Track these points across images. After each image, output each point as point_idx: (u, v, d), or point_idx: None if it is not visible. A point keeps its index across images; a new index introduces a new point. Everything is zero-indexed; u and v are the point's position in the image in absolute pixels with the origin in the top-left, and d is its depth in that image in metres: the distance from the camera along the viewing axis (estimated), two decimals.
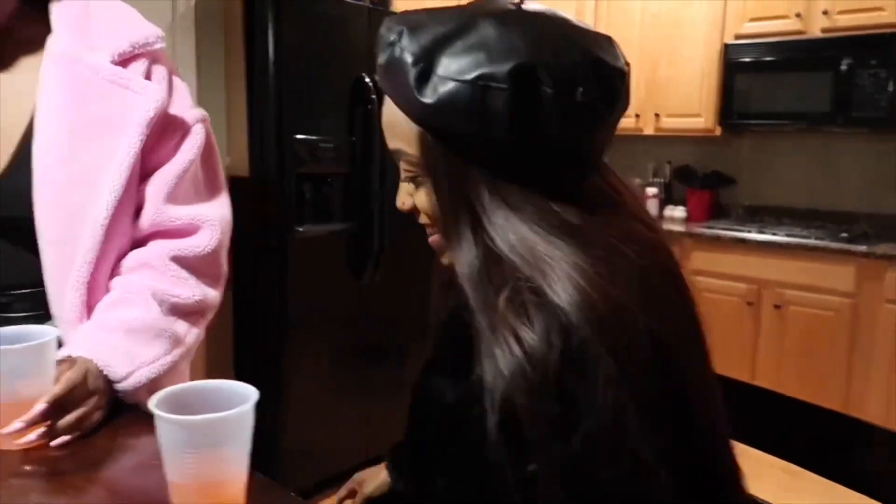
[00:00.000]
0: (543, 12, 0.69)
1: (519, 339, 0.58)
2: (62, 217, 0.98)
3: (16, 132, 1.00)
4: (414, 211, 0.76)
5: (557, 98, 0.63)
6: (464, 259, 0.66)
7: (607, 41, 0.69)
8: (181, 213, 1.07)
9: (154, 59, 1.08)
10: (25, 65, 1.02)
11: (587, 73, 0.65)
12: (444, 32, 0.65)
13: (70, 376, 0.88)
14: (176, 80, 1.12)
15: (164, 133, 1.06)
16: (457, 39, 0.64)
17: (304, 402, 2.60)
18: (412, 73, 0.64)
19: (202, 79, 2.45)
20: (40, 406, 0.83)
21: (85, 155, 0.99)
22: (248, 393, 0.70)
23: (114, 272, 1.05)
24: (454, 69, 0.63)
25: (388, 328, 2.87)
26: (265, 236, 2.49)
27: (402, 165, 0.73)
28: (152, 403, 0.66)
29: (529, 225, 0.64)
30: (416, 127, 0.68)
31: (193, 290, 1.07)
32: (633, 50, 3.73)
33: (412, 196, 0.75)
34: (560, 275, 0.60)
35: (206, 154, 1.13)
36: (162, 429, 0.66)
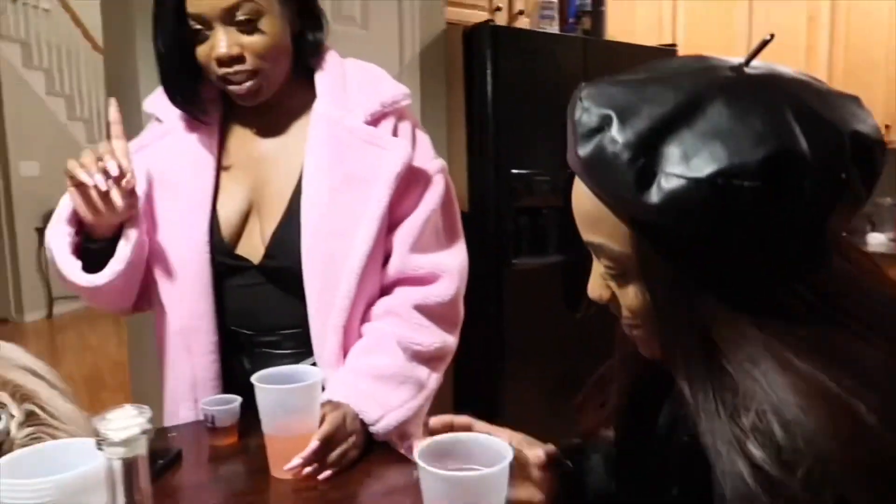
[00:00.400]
0: (775, 76, 0.57)
1: (756, 467, 0.51)
2: (324, 266, 1.08)
3: (287, 189, 1.12)
4: (611, 302, 0.67)
5: (818, 189, 0.52)
6: (689, 379, 0.58)
7: (855, 103, 0.57)
8: (424, 262, 1.13)
9: (400, 115, 1.16)
10: (296, 129, 1.15)
11: (846, 152, 0.54)
12: (664, 116, 0.54)
13: (334, 418, 0.96)
14: (419, 133, 1.18)
15: (409, 185, 1.13)
16: (682, 126, 0.53)
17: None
18: (630, 171, 0.53)
19: (426, 121, 2.60)
20: (314, 444, 0.91)
21: (343, 209, 1.08)
22: (503, 450, 0.70)
23: (365, 317, 1.13)
24: (685, 164, 0.52)
25: (604, 360, 2.79)
26: (483, 269, 2.56)
27: (603, 260, 0.63)
28: (417, 455, 0.68)
29: (767, 345, 0.54)
30: (626, 225, 0.58)
31: (434, 338, 1.13)
32: (879, 54, 3.29)
33: (612, 289, 0.65)
34: (798, 400, 0.52)
35: (446, 202, 1.18)
36: (426, 480, 0.69)
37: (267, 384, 0.93)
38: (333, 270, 1.08)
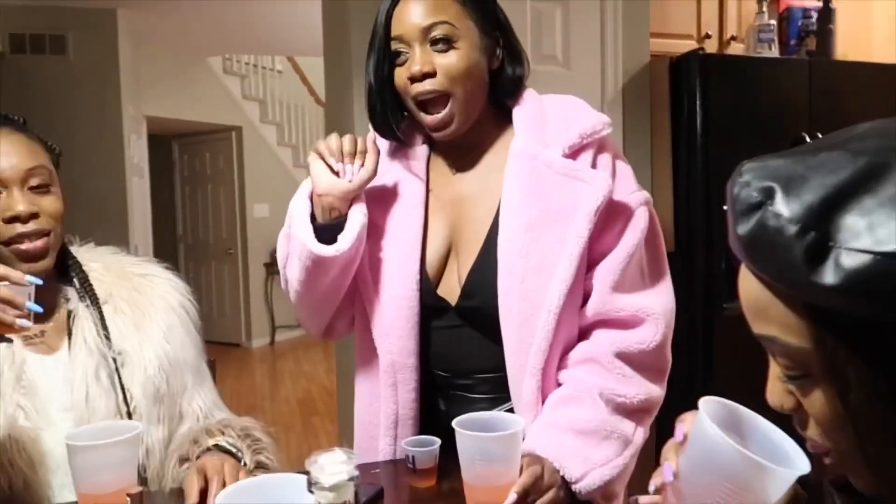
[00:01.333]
0: None
1: None
2: (521, 306, 1.04)
3: (484, 228, 1.11)
4: (796, 413, 0.55)
5: None
6: None
7: None
8: (626, 304, 1.05)
9: (601, 146, 1.10)
10: (494, 167, 1.13)
11: None
12: (840, 183, 0.46)
13: (533, 471, 0.91)
14: (620, 164, 1.12)
15: (609, 219, 1.06)
16: (862, 193, 0.45)
17: None
18: (799, 247, 0.46)
19: (628, 156, 2.50)
20: (512, 497, 0.87)
21: (540, 246, 1.04)
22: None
23: (562, 361, 1.07)
24: (869, 237, 0.44)
25: None
26: (690, 313, 2.37)
27: (780, 359, 0.53)
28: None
29: None
30: (800, 313, 0.49)
31: (638, 389, 1.04)
32: None
33: (795, 396, 0.54)
34: None
35: (650, 237, 1.09)
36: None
37: (467, 429, 0.90)
38: (531, 310, 1.04)
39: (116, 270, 1.13)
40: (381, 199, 1.17)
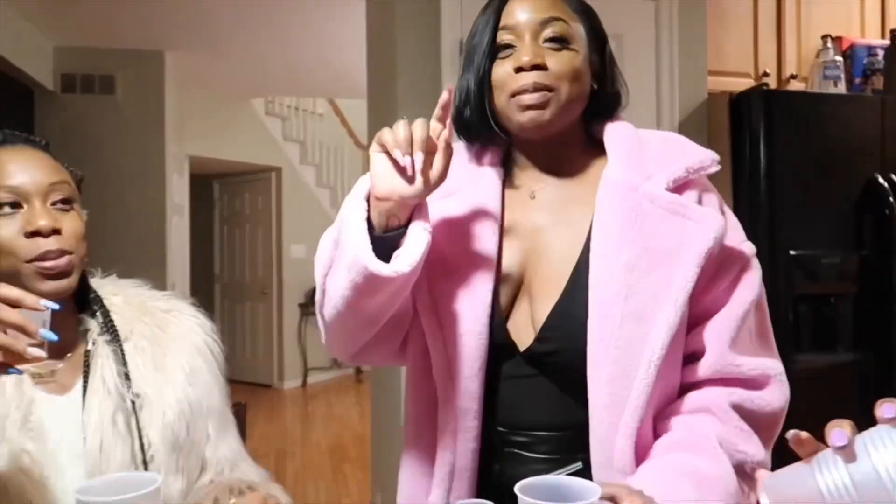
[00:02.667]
0: None
1: None
2: (617, 355, 0.91)
3: (568, 264, 0.97)
4: None
5: None
6: None
7: None
8: (748, 363, 0.92)
9: (705, 187, 0.98)
10: (581, 197, 1.01)
11: None
12: None
13: (630, 493, 0.77)
14: (727, 210, 0.99)
15: (721, 268, 0.93)
16: None
17: None
18: None
19: None
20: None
21: (641, 289, 0.91)
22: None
23: (660, 416, 0.94)
24: None
25: None
26: None
27: None
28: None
29: None
30: None
31: (758, 450, 0.89)
32: None
33: None
34: None
35: (761, 298, 0.96)
36: None
37: (535, 497, 0.76)
38: (627, 361, 0.90)
39: (138, 304, 1.04)
40: (448, 219, 1.03)
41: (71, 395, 0.94)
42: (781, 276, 2.15)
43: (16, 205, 0.92)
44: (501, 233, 1.03)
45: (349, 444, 4.91)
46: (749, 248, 0.96)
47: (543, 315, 0.97)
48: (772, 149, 2.16)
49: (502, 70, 0.97)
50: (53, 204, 0.94)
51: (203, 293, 6.61)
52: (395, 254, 0.90)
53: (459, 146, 1.08)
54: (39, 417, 0.90)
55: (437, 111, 0.91)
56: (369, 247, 0.89)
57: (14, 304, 0.73)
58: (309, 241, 6.75)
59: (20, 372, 0.75)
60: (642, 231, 0.92)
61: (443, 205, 1.03)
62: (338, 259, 0.95)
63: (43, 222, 0.91)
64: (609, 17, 2.27)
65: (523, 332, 0.99)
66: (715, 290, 0.92)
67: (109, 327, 0.98)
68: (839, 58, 2.48)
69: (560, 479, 0.84)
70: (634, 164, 0.97)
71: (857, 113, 2.22)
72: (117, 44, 4.39)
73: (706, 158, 0.96)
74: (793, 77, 2.64)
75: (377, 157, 0.90)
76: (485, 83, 0.98)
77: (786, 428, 2.21)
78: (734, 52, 2.62)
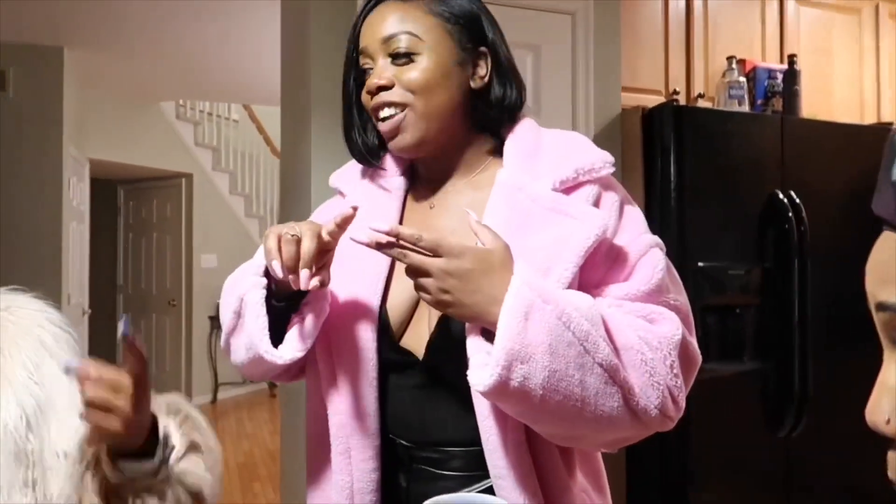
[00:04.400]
0: None
1: None
2: None
3: None
4: None
5: None
6: None
7: None
8: (643, 307, 0.89)
9: (606, 185, 0.97)
10: (476, 200, 0.99)
11: None
12: None
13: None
14: (628, 207, 0.98)
15: (616, 262, 0.92)
16: None
17: None
18: None
19: None
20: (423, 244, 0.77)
21: None
22: None
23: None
24: None
25: (816, 494, 2.30)
26: None
27: None
28: None
29: None
30: None
31: (662, 335, 0.86)
32: None
33: None
34: None
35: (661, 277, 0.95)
36: None
37: None
38: None
39: None
40: (346, 239, 1.02)
41: None
42: (690, 288, 2.20)
43: None
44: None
45: (260, 462, 4.72)
46: (646, 240, 0.94)
47: (435, 324, 0.94)
48: (681, 162, 2.22)
49: (364, 95, 0.99)
50: None
51: (104, 304, 6.23)
52: (288, 336, 0.93)
53: (352, 161, 1.10)
54: None
55: (332, 227, 0.89)
56: (265, 335, 0.92)
57: None
58: (221, 250, 6.50)
59: None
60: (524, 232, 0.91)
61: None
62: (237, 330, 0.97)
63: None
64: (527, 27, 2.29)
65: (421, 342, 0.95)
66: (610, 291, 0.91)
67: None
68: (743, 78, 2.59)
69: (471, 497, 0.80)
70: (527, 166, 0.96)
71: (759, 131, 2.32)
72: (10, 37, 4.09)
73: (598, 160, 0.95)
74: (700, 96, 2.73)
75: (270, 249, 0.87)
76: (354, 110, 1.01)
77: (696, 433, 2.22)
78: (646, 69, 2.69)
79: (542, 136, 1.01)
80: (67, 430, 0.89)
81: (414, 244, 0.81)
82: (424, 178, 1.04)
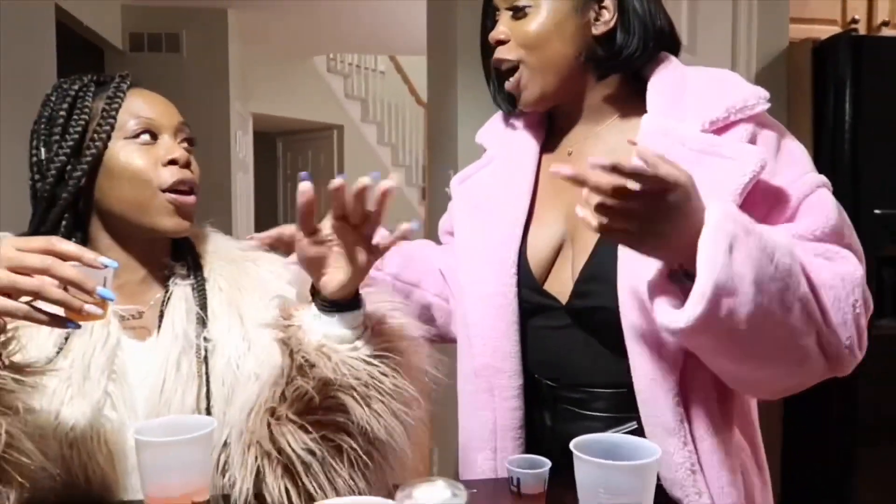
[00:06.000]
0: None
1: None
2: (646, 307, 0.87)
3: None
4: None
5: None
6: None
7: None
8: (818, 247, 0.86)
9: (762, 123, 0.91)
10: (618, 146, 0.97)
11: None
12: None
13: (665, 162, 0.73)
14: (787, 142, 0.92)
15: (774, 208, 0.87)
16: None
17: None
18: None
19: None
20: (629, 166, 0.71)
21: None
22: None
23: (717, 380, 0.89)
24: None
25: None
26: None
27: None
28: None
29: None
30: None
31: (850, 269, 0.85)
32: None
33: None
34: None
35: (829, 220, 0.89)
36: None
37: (590, 454, 0.74)
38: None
39: (224, 253, 1.04)
40: (487, 192, 1.06)
41: (150, 340, 0.95)
42: (865, 236, 2.02)
43: (152, 136, 0.95)
44: (537, 191, 1.03)
45: None
46: (815, 178, 0.89)
47: (580, 269, 0.95)
48: (859, 100, 2.02)
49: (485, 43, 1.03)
50: (181, 142, 0.98)
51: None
52: None
53: (496, 115, 1.14)
54: (122, 361, 0.91)
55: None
56: None
57: (73, 260, 0.73)
58: None
59: (78, 326, 0.76)
60: None
61: (478, 177, 1.09)
62: None
63: (178, 153, 0.95)
64: None
65: (565, 286, 0.97)
66: (777, 225, 0.86)
67: (196, 273, 0.98)
68: None
69: (617, 437, 0.81)
70: (672, 109, 0.93)
71: None
72: (182, 2, 4.44)
73: (751, 96, 0.90)
74: (884, 23, 2.45)
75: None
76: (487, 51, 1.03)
77: (863, 389, 2.10)
78: None
79: (686, 75, 0.97)
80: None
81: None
82: (561, 125, 1.05)
